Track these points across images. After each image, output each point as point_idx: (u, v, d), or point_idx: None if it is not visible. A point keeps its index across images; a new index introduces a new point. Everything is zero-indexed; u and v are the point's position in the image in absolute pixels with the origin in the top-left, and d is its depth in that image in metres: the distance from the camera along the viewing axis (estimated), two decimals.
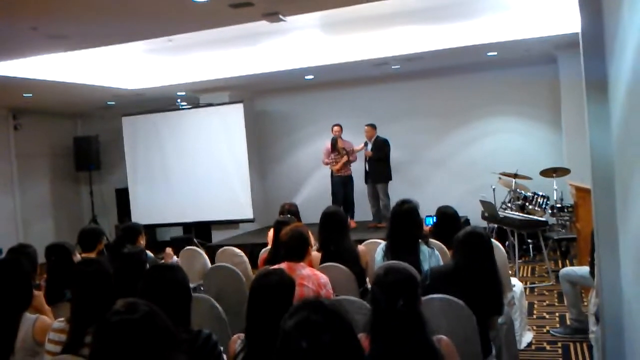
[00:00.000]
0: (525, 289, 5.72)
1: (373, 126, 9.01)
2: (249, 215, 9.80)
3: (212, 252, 5.94)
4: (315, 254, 4.09)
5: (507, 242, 7.45)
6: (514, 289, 4.59)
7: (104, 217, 11.50)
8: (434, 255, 3.86)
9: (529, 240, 7.83)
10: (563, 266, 6.78)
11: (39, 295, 3.24)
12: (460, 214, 4.61)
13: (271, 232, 4.73)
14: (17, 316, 2.87)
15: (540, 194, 7.90)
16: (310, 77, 9.51)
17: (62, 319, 2.76)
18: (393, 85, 10.02)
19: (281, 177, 10.92)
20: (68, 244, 3.90)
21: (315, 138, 10.27)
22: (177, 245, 7.39)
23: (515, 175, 8.01)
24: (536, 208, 7.80)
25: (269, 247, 4.71)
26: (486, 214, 7.65)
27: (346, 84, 10.14)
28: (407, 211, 3.92)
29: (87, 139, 11.25)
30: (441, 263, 3.82)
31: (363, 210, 9.23)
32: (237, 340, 2.45)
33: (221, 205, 9.82)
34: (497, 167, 8.38)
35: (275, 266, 3.10)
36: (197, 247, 5.93)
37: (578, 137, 5.47)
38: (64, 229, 10.75)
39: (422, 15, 7.14)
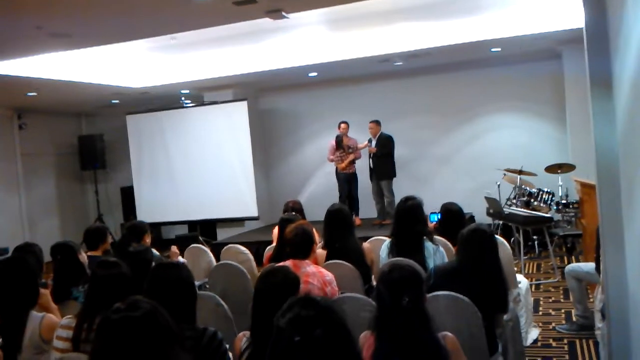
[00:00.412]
0: (530, 285, 5.70)
1: (377, 123, 8.99)
2: (254, 213, 9.81)
3: (217, 249, 5.95)
4: (320, 252, 4.10)
5: (512, 239, 7.44)
6: (519, 285, 4.58)
7: (110, 216, 11.54)
8: (438, 252, 3.86)
9: (535, 237, 7.81)
10: (569, 262, 6.76)
11: (46, 293, 3.26)
12: (465, 210, 4.60)
13: (276, 230, 4.73)
14: (24, 314, 2.89)
15: (546, 190, 7.89)
16: (314, 74, 9.50)
17: (70, 315, 2.78)
18: (397, 82, 10.01)
19: (286, 175, 10.93)
20: (73, 243, 3.92)
21: (320, 135, 10.27)
22: (183, 243, 7.39)
23: (520, 172, 7.99)
24: (541, 204, 7.79)
25: (274, 244, 4.72)
26: (491, 211, 7.64)
27: (350, 81, 10.13)
28: (412, 208, 3.92)
29: (91, 137, 11.28)
30: (446, 260, 3.82)
31: (368, 207, 9.23)
32: (243, 338, 2.45)
33: (226, 203, 9.83)
34: (502, 164, 8.37)
35: (281, 264, 3.11)
36: (203, 245, 5.93)
37: (583, 133, 5.45)
38: (69, 228, 10.80)
39: (426, 11, 7.12)
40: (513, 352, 3.45)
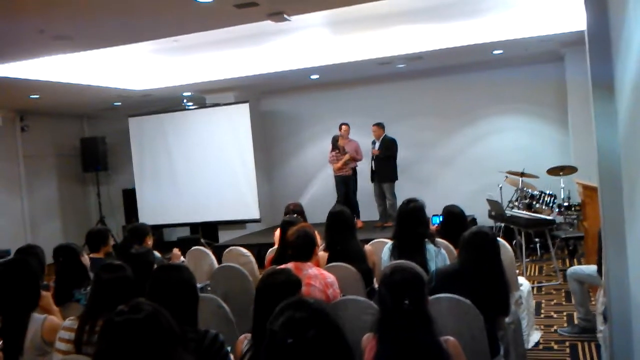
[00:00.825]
0: (532, 288, 5.70)
1: (381, 125, 8.99)
2: (256, 215, 9.81)
3: (219, 252, 5.95)
4: (322, 254, 4.09)
5: (514, 241, 7.43)
6: (521, 288, 4.58)
7: (112, 218, 11.55)
8: (440, 254, 3.85)
9: (536, 239, 7.80)
10: (571, 265, 6.76)
11: (47, 295, 3.26)
12: (467, 213, 4.60)
13: (278, 232, 4.73)
14: (25, 316, 2.89)
15: (548, 192, 7.88)
16: (316, 76, 9.51)
17: (72, 317, 2.78)
18: (399, 84, 10.01)
19: (287, 177, 10.93)
20: (75, 245, 3.92)
21: (321, 138, 10.27)
22: (184, 245, 7.40)
23: (522, 174, 7.99)
24: (543, 207, 7.78)
25: (276, 247, 4.72)
26: (493, 213, 7.63)
27: (352, 84, 10.14)
28: (414, 210, 3.92)
29: (93, 139, 11.30)
30: (447, 262, 3.81)
31: (370, 209, 9.22)
32: (244, 340, 2.45)
33: (228, 206, 9.84)
34: (504, 166, 8.36)
35: (282, 266, 3.11)
36: (204, 247, 5.94)
37: (585, 135, 5.44)
38: (71, 230, 10.81)
39: (428, 13, 7.12)
40: (515, 355, 3.45)
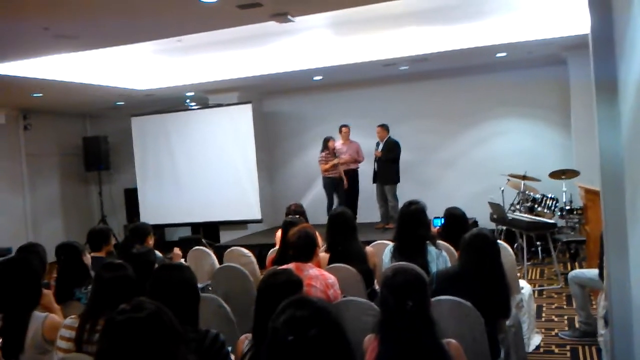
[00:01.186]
0: (533, 291, 5.69)
1: (385, 127, 8.98)
2: (257, 215, 9.81)
3: (220, 252, 5.95)
4: (323, 255, 4.10)
5: (515, 244, 7.42)
6: (522, 291, 4.57)
7: (113, 217, 11.56)
8: (441, 256, 3.85)
9: (538, 243, 7.78)
10: (572, 269, 6.74)
11: (48, 293, 3.26)
12: (469, 215, 4.60)
13: (279, 233, 4.74)
14: (26, 314, 2.89)
15: (549, 196, 7.87)
16: (319, 77, 9.51)
17: (73, 316, 2.78)
18: (402, 86, 10.01)
19: (289, 178, 10.93)
20: (78, 243, 3.92)
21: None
22: (185, 245, 7.40)
23: (524, 177, 7.97)
24: (545, 210, 7.77)
25: (277, 247, 4.71)
26: (495, 216, 7.62)
27: (355, 85, 10.14)
28: (415, 212, 3.92)
29: (96, 139, 11.31)
30: (449, 264, 3.81)
31: (370, 211, 9.22)
32: (245, 340, 2.45)
33: (229, 206, 9.84)
34: (506, 169, 8.35)
35: (283, 266, 3.11)
36: (205, 247, 5.94)
37: (587, 138, 5.44)
38: (73, 229, 10.81)
39: (431, 16, 7.12)
40: (515, 358, 3.44)
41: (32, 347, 2.84)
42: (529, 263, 7.24)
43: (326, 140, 9.19)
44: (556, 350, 4.71)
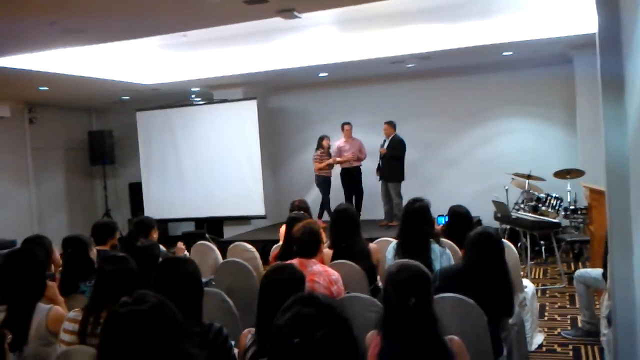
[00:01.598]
0: (536, 290, 5.68)
1: (391, 124, 8.96)
2: (261, 211, 9.82)
3: (223, 247, 5.96)
4: (326, 251, 4.10)
5: (519, 243, 7.41)
6: (525, 290, 4.57)
7: (118, 211, 11.59)
8: (445, 254, 3.85)
9: (542, 242, 7.77)
10: (576, 268, 6.73)
11: (53, 285, 3.28)
12: (473, 214, 4.59)
13: (283, 228, 4.74)
14: (30, 306, 2.91)
15: (554, 195, 7.85)
16: (325, 74, 9.50)
17: (77, 309, 2.79)
18: (407, 84, 9.99)
19: (293, 174, 10.93)
20: (85, 237, 3.94)
21: (328, 135, 10.25)
22: (189, 240, 7.41)
23: (529, 176, 7.96)
24: (549, 209, 7.75)
25: (281, 242, 4.72)
26: (499, 215, 7.62)
27: (360, 82, 10.12)
28: (419, 209, 3.92)
29: (101, 133, 11.34)
30: (452, 262, 3.81)
31: (374, 208, 9.22)
32: (248, 334, 2.46)
33: (233, 201, 9.86)
34: (511, 168, 8.34)
35: (287, 262, 3.12)
36: (209, 242, 5.95)
37: (593, 138, 5.43)
38: (78, 223, 10.85)
39: (438, 13, 7.11)
40: (518, 356, 3.44)
41: (36, 339, 2.85)
42: (532, 262, 7.23)
43: (321, 139, 9.24)
44: (558, 349, 4.71)
